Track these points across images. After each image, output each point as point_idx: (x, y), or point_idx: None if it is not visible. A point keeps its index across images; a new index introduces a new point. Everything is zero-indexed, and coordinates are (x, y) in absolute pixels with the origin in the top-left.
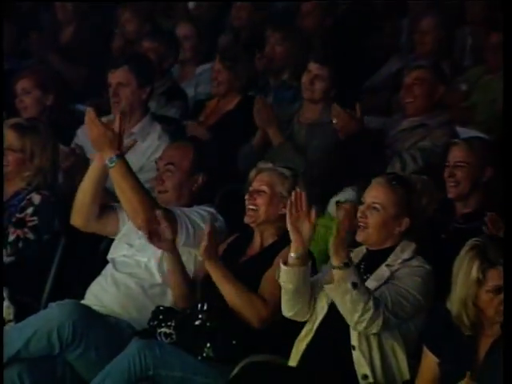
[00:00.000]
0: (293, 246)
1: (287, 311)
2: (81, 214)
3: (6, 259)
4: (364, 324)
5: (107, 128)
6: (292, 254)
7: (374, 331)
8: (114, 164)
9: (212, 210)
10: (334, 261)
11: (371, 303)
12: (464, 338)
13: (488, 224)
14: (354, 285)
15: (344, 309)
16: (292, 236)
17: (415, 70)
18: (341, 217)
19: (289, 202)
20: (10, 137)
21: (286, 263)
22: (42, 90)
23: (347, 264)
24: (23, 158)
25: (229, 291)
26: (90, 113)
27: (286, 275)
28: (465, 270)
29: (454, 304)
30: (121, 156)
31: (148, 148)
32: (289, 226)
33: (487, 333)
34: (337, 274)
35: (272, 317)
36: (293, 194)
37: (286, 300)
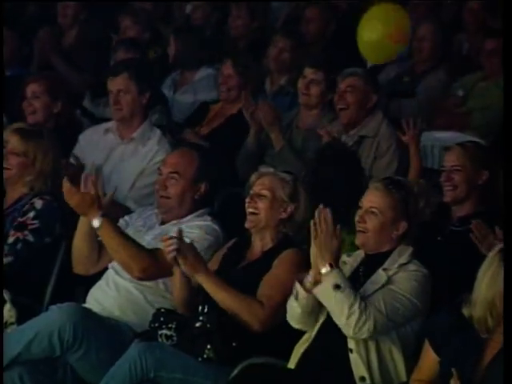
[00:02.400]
0: (313, 271)
1: (295, 323)
2: (82, 265)
3: (4, 260)
4: (352, 328)
5: (84, 193)
6: (310, 279)
7: (365, 336)
8: (99, 225)
9: (207, 218)
10: (319, 263)
11: (356, 307)
12: (471, 340)
13: (474, 231)
14: (337, 287)
15: (331, 311)
16: (312, 262)
17: (348, 76)
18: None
19: (312, 222)
20: (14, 141)
21: (301, 282)
22: (51, 96)
23: (331, 265)
24: (26, 162)
25: (224, 299)
26: (65, 183)
27: (304, 300)
28: (493, 271)
29: (477, 306)
30: (104, 215)
31: (148, 152)
32: (314, 246)
33: (496, 339)
34: (322, 276)
35: (271, 320)
36: (317, 211)
37: (296, 315)
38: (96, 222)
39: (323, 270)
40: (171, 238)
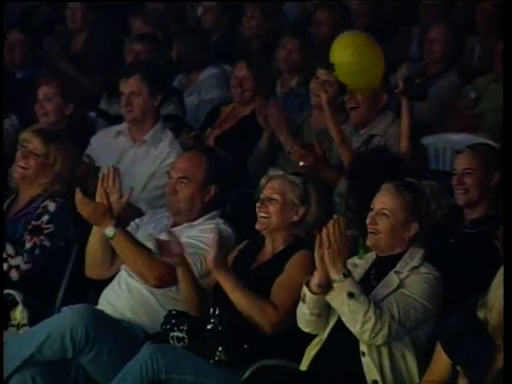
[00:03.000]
0: (318, 274)
1: (304, 327)
2: (95, 269)
3: (23, 266)
4: (367, 334)
5: (97, 204)
6: (316, 281)
7: (380, 342)
8: (112, 235)
9: (219, 220)
10: (332, 273)
11: (371, 313)
12: (484, 343)
13: (498, 237)
14: (351, 295)
15: (345, 319)
16: (317, 265)
17: None
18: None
19: (325, 230)
20: (36, 142)
21: (307, 285)
22: (63, 99)
23: (345, 275)
24: (45, 163)
25: (239, 299)
26: (77, 194)
27: (311, 302)
28: None
29: (493, 313)
30: (117, 225)
31: (160, 154)
32: (317, 254)
33: None
34: (335, 284)
35: (283, 322)
36: (331, 224)
37: (305, 319)
38: (109, 232)
39: (337, 278)
40: (167, 241)
